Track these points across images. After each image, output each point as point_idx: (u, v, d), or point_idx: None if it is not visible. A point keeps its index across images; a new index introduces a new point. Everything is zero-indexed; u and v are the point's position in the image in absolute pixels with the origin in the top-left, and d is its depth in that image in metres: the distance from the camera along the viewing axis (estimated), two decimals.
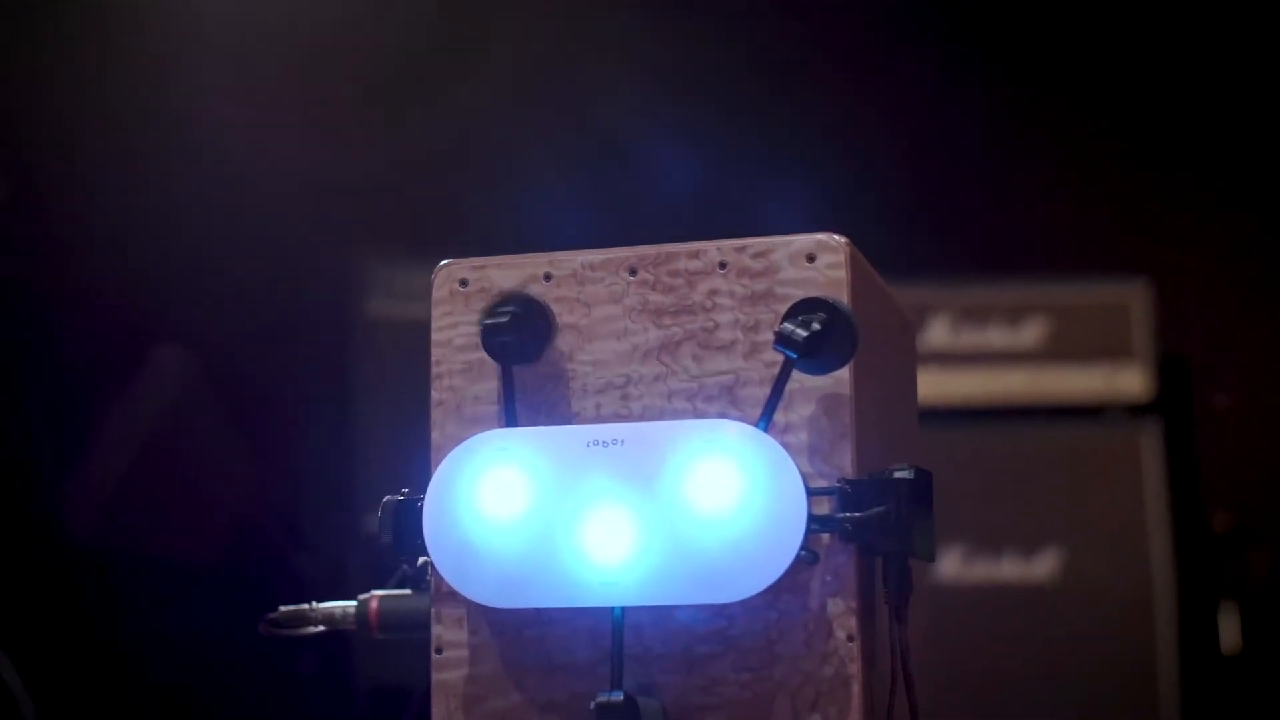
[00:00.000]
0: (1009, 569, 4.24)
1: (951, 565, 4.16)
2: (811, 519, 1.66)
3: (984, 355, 4.41)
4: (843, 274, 1.74)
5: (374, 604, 1.94)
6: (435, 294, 1.84)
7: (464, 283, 1.83)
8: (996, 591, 4.22)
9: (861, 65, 5.04)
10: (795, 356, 1.65)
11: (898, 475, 1.69)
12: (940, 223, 4.88)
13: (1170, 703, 4.18)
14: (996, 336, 4.44)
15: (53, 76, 4.85)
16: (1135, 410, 4.37)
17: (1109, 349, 4.41)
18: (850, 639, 1.70)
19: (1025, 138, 4.97)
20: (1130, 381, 4.37)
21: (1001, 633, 4.21)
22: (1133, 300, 4.41)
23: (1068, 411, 4.39)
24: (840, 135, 5.00)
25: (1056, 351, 4.43)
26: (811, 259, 1.75)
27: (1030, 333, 4.44)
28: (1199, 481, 4.52)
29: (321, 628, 2.01)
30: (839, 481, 1.70)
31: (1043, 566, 4.26)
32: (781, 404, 1.70)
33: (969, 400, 4.38)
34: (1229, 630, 4.38)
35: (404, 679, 4.07)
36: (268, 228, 4.88)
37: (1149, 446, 4.32)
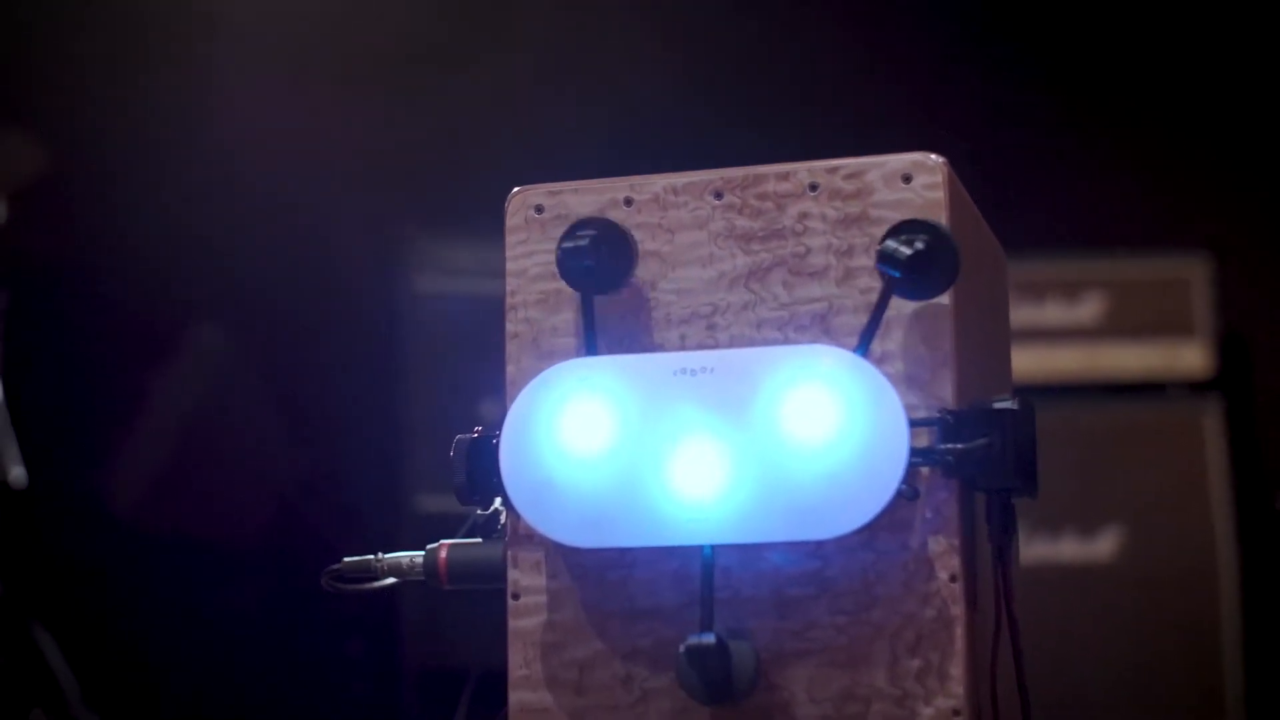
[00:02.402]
0: (1068, 548, 4.19)
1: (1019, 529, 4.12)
2: (913, 451, 1.56)
3: (1041, 332, 4.36)
4: (940, 195, 1.65)
5: (443, 553, 1.84)
6: (509, 221, 1.75)
7: (539, 209, 1.74)
8: (1056, 571, 4.17)
9: (915, 40, 4.99)
10: (898, 275, 1.56)
11: (1000, 406, 1.61)
12: (996, 198, 4.80)
13: (1235, 681, 4.12)
14: (1054, 313, 4.37)
15: (83, 62, 4.84)
16: (1196, 387, 4.31)
17: (1169, 325, 4.34)
18: (953, 579, 1.60)
19: (1083, 112, 4.92)
20: (1191, 358, 4.31)
21: (1061, 612, 4.16)
22: (1193, 275, 4.36)
23: (1128, 388, 4.32)
24: (893, 110, 4.94)
25: (1116, 328, 4.35)
26: (908, 180, 1.66)
27: (1089, 309, 4.37)
28: (1261, 458, 4.46)
29: (389, 580, 1.91)
30: (940, 412, 1.61)
31: (1103, 545, 4.19)
32: (878, 331, 1.61)
33: (1026, 377, 4.30)
34: None
35: (450, 658, 4.07)
36: (310, 205, 4.85)
37: (1210, 424, 4.26)
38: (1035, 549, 4.16)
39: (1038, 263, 4.39)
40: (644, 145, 4.74)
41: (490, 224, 4.48)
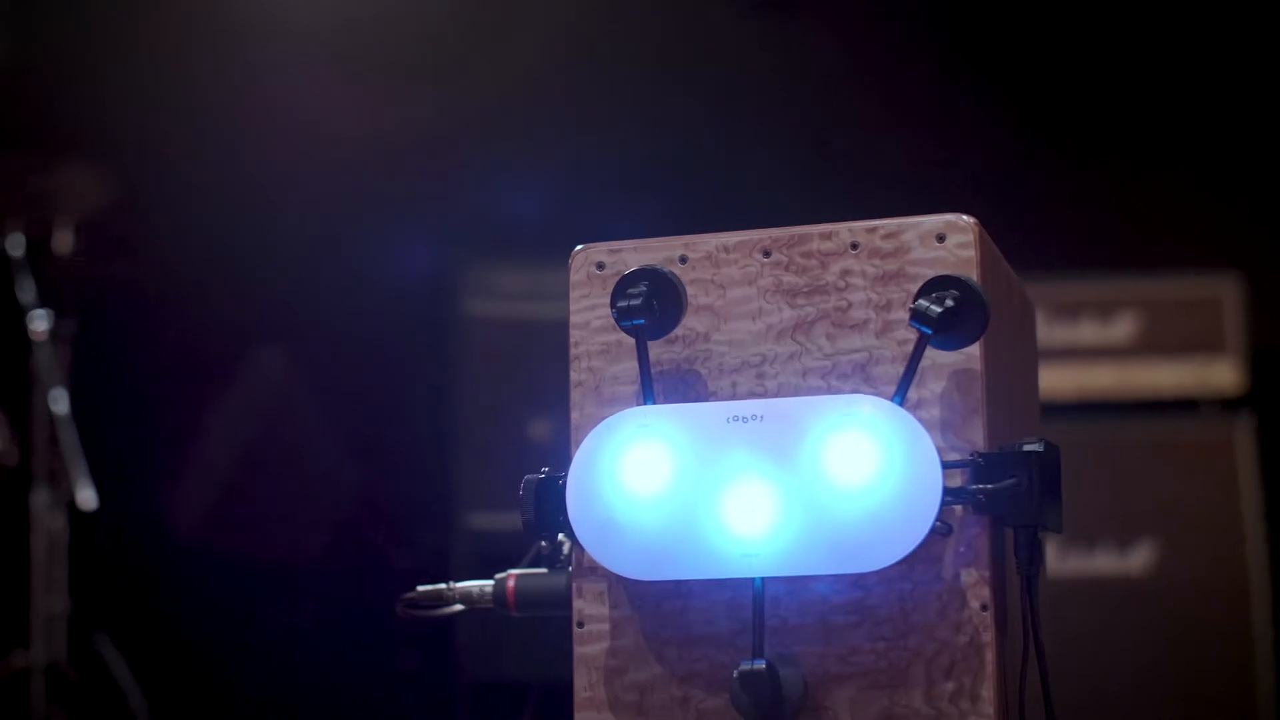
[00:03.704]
0: (1103, 561, 4.24)
1: (1046, 558, 4.16)
2: (946, 491, 1.70)
3: (1077, 351, 4.41)
4: (972, 253, 1.78)
5: (511, 582, 1.99)
6: (573, 276, 1.89)
7: (600, 265, 1.88)
8: (1091, 583, 4.23)
9: (950, 62, 5.07)
10: (930, 332, 1.70)
11: (1028, 448, 1.74)
12: (1031, 220, 4.89)
13: (1268, 694, 4.17)
14: (1089, 332, 4.44)
15: (153, 85, 4.95)
16: (1227, 403, 4.37)
17: (1201, 343, 4.41)
18: (984, 608, 1.74)
19: (1116, 137, 4.98)
20: (1222, 375, 4.37)
21: (1096, 623, 4.21)
22: (1224, 295, 4.41)
23: (1161, 405, 4.39)
24: (929, 133, 5.02)
25: (1149, 346, 4.43)
26: (941, 239, 1.79)
27: (1122, 328, 4.44)
28: None
29: (458, 607, 2.05)
30: (971, 454, 1.74)
31: (1137, 558, 4.26)
32: (914, 380, 1.75)
33: (1062, 395, 4.38)
34: None
35: (503, 673, 4.15)
36: (364, 234, 4.95)
37: (1241, 439, 4.32)
38: (1071, 562, 4.23)
39: (1072, 284, 4.47)
40: (688, 199, 4.84)
41: (537, 251, 4.58)
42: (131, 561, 4.74)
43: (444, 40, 5.02)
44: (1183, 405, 4.38)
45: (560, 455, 1.86)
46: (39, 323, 4.39)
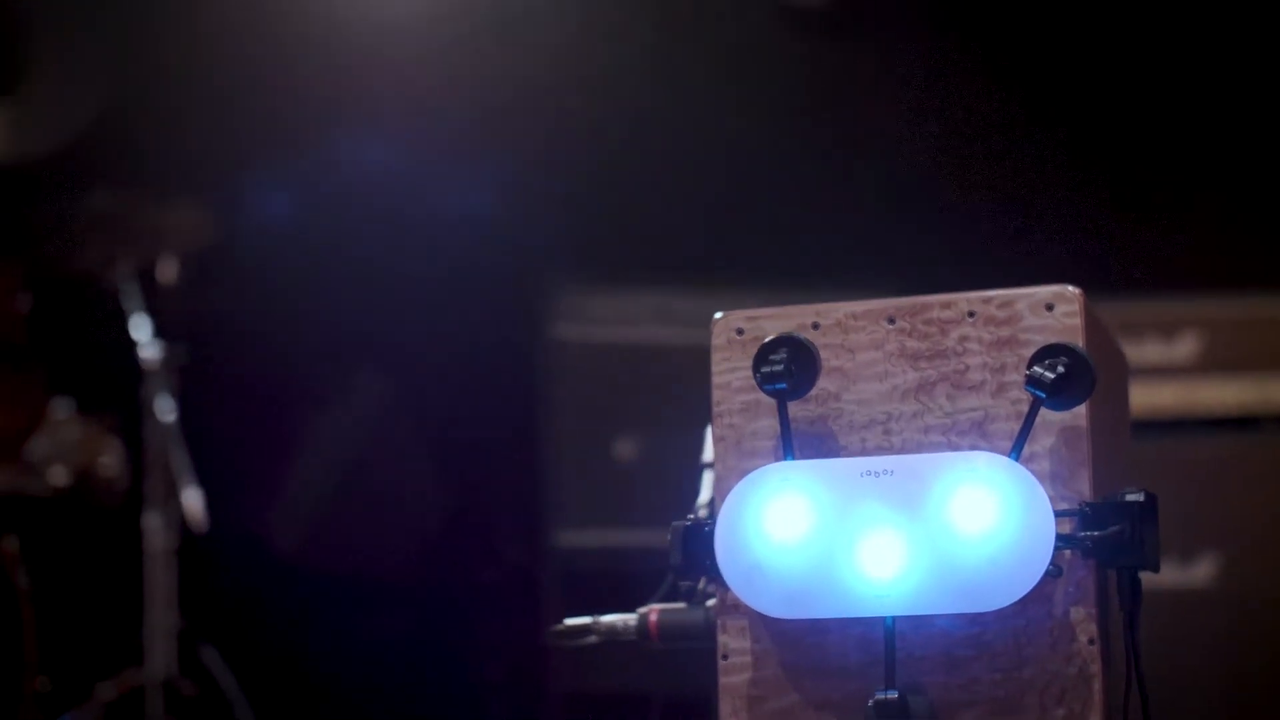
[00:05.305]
0: (1167, 575, 4.29)
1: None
2: (1057, 538, 1.89)
3: (1141, 370, 4.46)
4: (1077, 321, 1.98)
5: (654, 616, 2.20)
6: (714, 341, 2.08)
7: (740, 331, 2.07)
8: (1155, 597, 4.23)
9: (1003, 86, 5.20)
10: (1044, 396, 1.89)
11: (1130, 498, 1.93)
12: (1094, 243, 5.04)
13: None
14: (1153, 351, 4.54)
15: (250, 121, 5.14)
16: None
17: (1262, 361, 4.48)
18: (1091, 642, 1.93)
19: (1179, 163, 5.10)
20: None
21: (1160, 635, 4.26)
22: None
23: (1223, 423, 4.48)
24: (988, 159, 5.16)
25: (1211, 365, 4.51)
26: (1050, 308, 1.98)
27: (1185, 347, 4.53)
28: None
29: (597, 639, 2.26)
30: (1080, 504, 1.93)
31: (1200, 572, 4.38)
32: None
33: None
34: None
35: (592, 685, 4.32)
36: (458, 256, 5.11)
37: None
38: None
39: (1137, 304, 4.57)
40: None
41: (627, 275, 4.72)
42: (238, 578, 4.91)
43: (535, 82, 5.18)
44: (1244, 423, 4.47)
45: (688, 499, 2.04)
46: (149, 351, 4.56)
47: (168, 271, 4.65)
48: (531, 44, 5.17)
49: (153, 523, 4.48)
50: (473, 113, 5.14)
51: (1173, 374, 4.52)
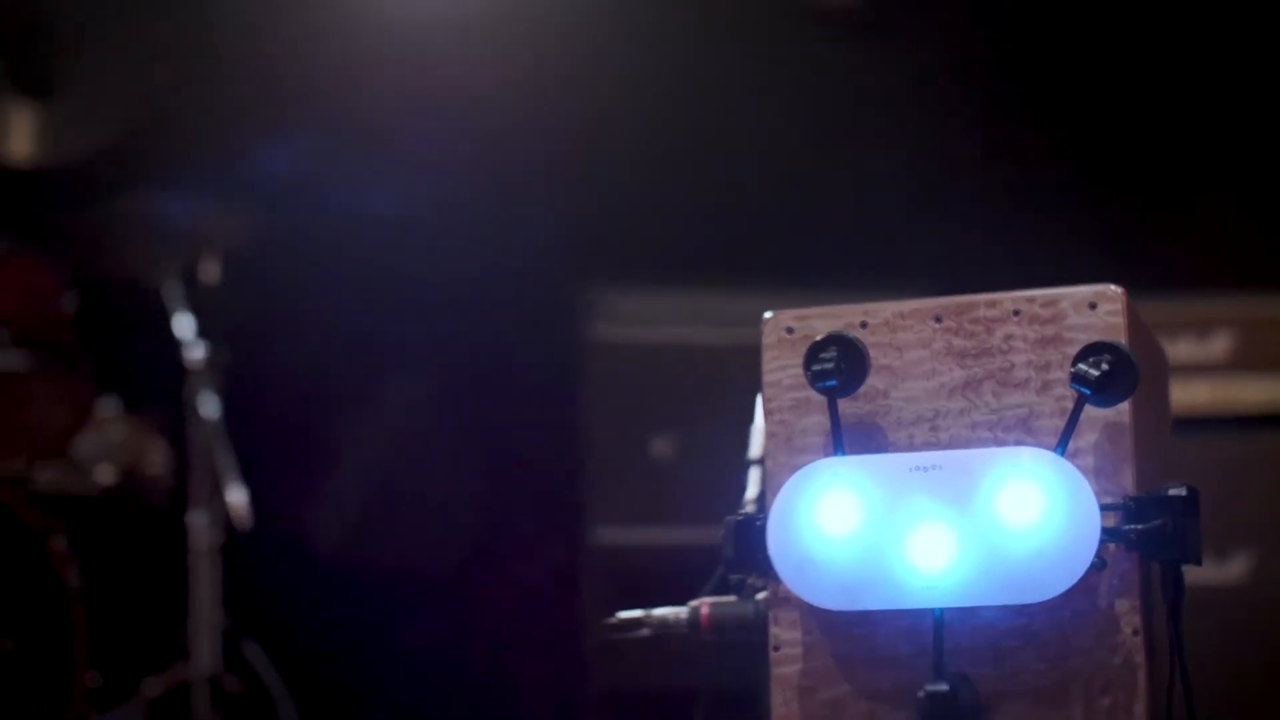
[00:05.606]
0: (1201, 570, 4.28)
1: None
2: (1102, 531, 1.94)
3: (1175, 367, 4.43)
4: (1120, 320, 2.02)
5: (705, 609, 2.24)
6: (765, 340, 2.13)
7: (790, 330, 2.12)
8: (1189, 592, 4.30)
9: (1045, 86, 5.24)
10: (1089, 393, 1.94)
11: (1173, 493, 1.98)
12: (1127, 242, 5.07)
13: None
14: (1186, 349, 4.57)
15: (300, 124, 5.19)
16: None
17: None
18: (1135, 633, 1.98)
19: (1210, 164, 5.13)
20: None
21: (1193, 630, 4.30)
22: None
23: (1256, 420, 4.51)
24: (1016, 154, 5.20)
25: (1244, 363, 4.55)
26: (1093, 306, 2.03)
27: (1218, 345, 4.57)
28: None
29: (649, 631, 2.31)
30: (1124, 498, 1.98)
31: (1234, 568, 4.41)
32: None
33: None
34: None
35: (630, 680, 4.36)
36: (499, 258, 5.16)
37: None
38: None
39: (1171, 303, 4.59)
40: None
41: (666, 275, 4.76)
42: (282, 576, 4.96)
43: (574, 82, 5.22)
44: (1277, 420, 4.50)
45: (735, 494, 2.08)
46: (193, 351, 4.61)
47: (211, 272, 4.69)
48: (569, 45, 5.21)
49: (198, 520, 4.52)
50: (515, 113, 5.18)
51: (1207, 372, 4.55)
